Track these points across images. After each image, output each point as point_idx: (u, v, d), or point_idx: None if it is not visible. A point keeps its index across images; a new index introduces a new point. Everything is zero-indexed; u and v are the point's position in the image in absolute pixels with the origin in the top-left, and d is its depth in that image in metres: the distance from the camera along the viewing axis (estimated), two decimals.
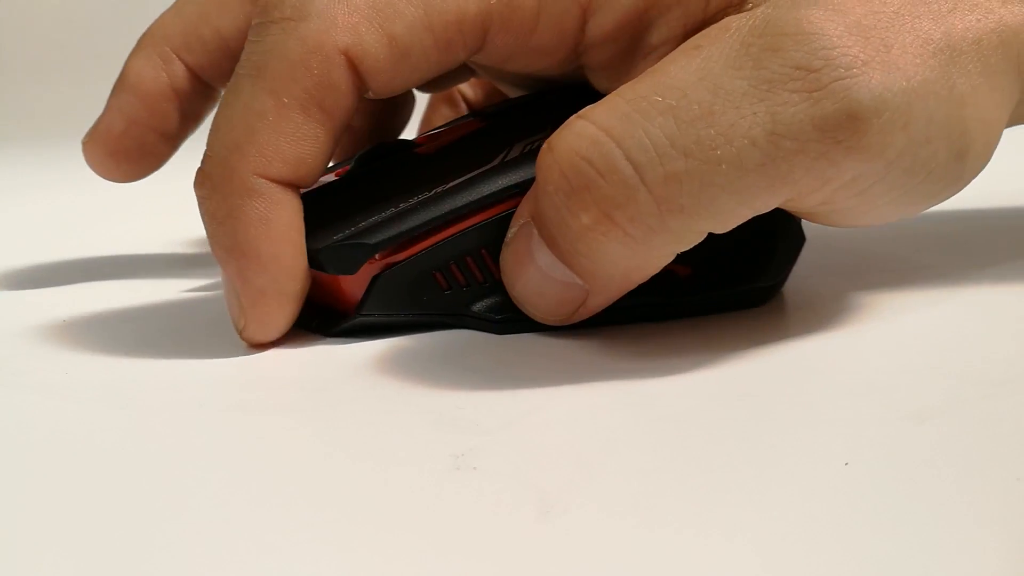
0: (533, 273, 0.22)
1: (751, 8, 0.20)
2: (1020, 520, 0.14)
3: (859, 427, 0.18)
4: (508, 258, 0.23)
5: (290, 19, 0.21)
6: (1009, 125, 0.22)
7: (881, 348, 0.22)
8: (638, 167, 0.19)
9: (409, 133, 0.32)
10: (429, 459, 0.17)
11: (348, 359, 0.22)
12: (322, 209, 0.23)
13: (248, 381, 0.21)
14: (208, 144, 0.22)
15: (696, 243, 0.21)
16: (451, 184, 0.23)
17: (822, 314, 0.24)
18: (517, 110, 0.25)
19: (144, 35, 0.27)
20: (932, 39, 0.20)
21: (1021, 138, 0.29)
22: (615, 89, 0.21)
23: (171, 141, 0.28)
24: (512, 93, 0.28)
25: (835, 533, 0.14)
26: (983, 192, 0.28)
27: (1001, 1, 0.21)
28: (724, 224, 0.20)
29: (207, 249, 0.24)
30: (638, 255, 0.20)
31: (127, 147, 0.27)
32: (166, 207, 0.33)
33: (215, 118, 0.22)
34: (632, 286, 0.22)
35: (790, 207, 0.21)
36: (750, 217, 0.20)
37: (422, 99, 0.34)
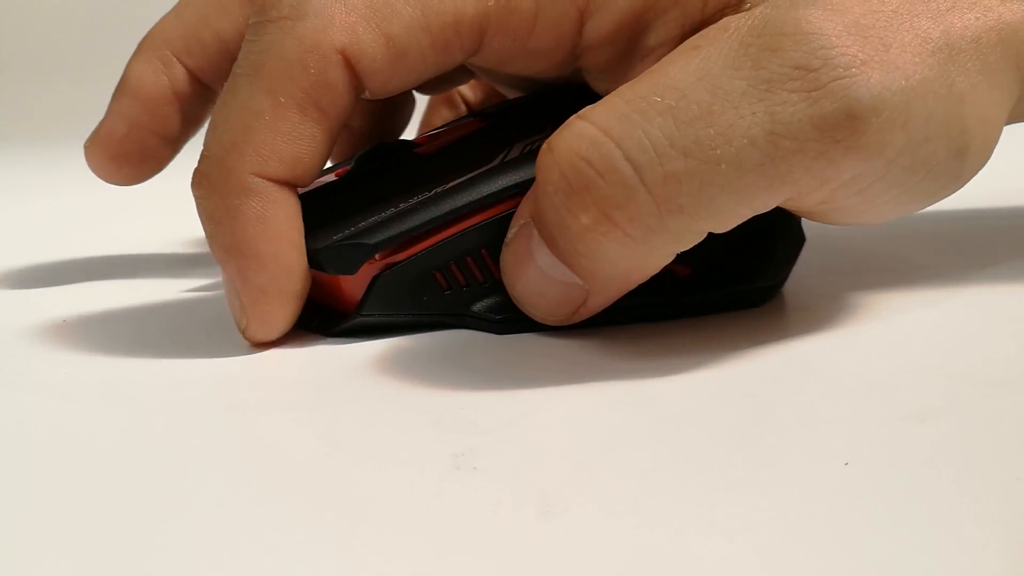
0: (533, 273, 0.22)
1: (749, 8, 0.20)
2: (1020, 520, 0.14)
3: (859, 427, 0.18)
4: (508, 258, 0.23)
5: (287, 18, 0.21)
6: (1009, 123, 0.22)
7: (881, 348, 0.22)
8: (637, 167, 0.19)
9: (409, 134, 0.32)
10: (429, 459, 0.17)
11: (348, 359, 0.22)
12: (322, 209, 0.23)
13: (248, 381, 0.21)
14: (205, 144, 0.22)
15: (696, 243, 0.21)
16: (451, 184, 0.23)
17: (822, 314, 0.24)
18: (517, 110, 0.25)
19: (144, 39, 0.27)
20: (931, 38, 0.20)
21: (1021, 137, 0.29)
22: (613, 89, 0.21)
23: (172, 144, 0.28)
24: (511, 94, 0.28)
25: (835, 533, 0.14)
26: (982, 192, 0.28)
27: None
28: (724, 224, 0.20)
29: (207, 249, 0.24)
30: (638, 255, 0.20)
31: (129, 151, 0.27)
32: (166, 207, 0.33)
33: (212, 118, 0.22)
34: (632, 286, 0.22)
35: (790, 206, 0.21)
36: (750, 217, 0.20)
37: (421, 100, 0.34)
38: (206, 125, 0.23)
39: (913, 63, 0.19)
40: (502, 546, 0.14)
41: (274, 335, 0.23)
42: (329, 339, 0.24)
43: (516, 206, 0.23)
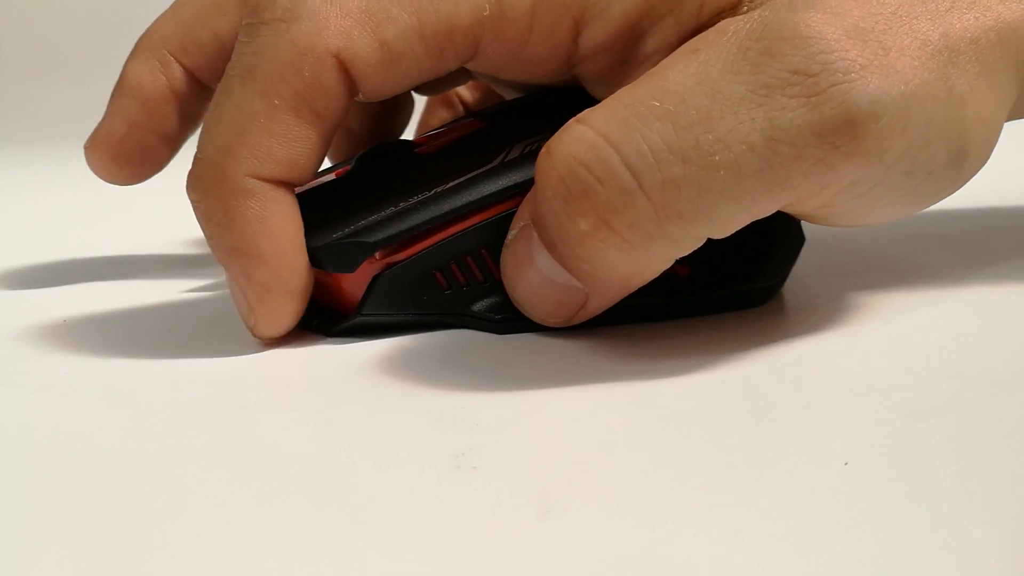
0: (533, 276, 0.22)
1: (746, 11, 0.20)
2: (1020, 520, 0.14)
3: (859, 427, 0.18)
4: (508, 260, 0.23)
5: (281, 20, 0.21)
6: (1008, 120, 0.22)
7: (881, 348, 0.22)
8: (636, 173, 0.19)
9: (407, 135, 0.32)
10: (429, 458, 0.17)
11: (349, 359, 0.22)
12: (322, 208, 0.23)
13: (249, 380, 0.21)
14: (199, 146, 0.22)
15: (695, 248, 0.21)
16: (451, 184, 0.23)
17: (822, 314, 0.24)
18: (517, 111, 0.25)
19: (141, 38, 0.27)
20: (930, 40, 0.20)
21: (1021, 136, 0.29)
22: (610, 95, 0.21)
23: (172, 143, 0.28)
24: (509, 95, 0.28)
25: (835, 533, 0.14)
26: (982, 192, 0.28)
27: None
28: (723, 229, 0.20)
29: (207, 249, 0.24)
30: (637, 260, 0.20)
31: (129, 151, 0.27)
32: (166, 207, 0.33)
33: (206, 119, 0.22)
34: (632, 289, 0.22)
35: (789, 210, 0.21)
36: (749, 222, 0.20)
37: (420, 100, 0.34)
38: None
39: (912, 67, 0.19)
40: (502, 546, 0.14)
41: (282, 331, 0.23)
42: (330, 339, 0.24)
43: (516, 206, 0.23)
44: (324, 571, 0.14)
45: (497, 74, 0.24)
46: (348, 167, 0.25)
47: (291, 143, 0.21)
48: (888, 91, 0.19)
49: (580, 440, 0.18)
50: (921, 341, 0.22)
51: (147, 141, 0.27)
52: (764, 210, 0.20)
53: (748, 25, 0.20)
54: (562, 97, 0.24)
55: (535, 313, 0.23)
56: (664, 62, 0.20)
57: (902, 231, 0.32)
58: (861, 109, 0.19)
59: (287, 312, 0.23)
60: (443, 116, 0.34)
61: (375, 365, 0.22)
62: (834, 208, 0.21)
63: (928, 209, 0.22)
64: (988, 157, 0.21)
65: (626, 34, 0.22)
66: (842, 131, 0.19)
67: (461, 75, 0.27)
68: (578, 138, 0.20)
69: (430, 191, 0.23)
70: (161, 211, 0.39)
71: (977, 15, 0.20)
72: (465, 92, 0.34)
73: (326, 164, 0.29)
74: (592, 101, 0.21)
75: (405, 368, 0.22)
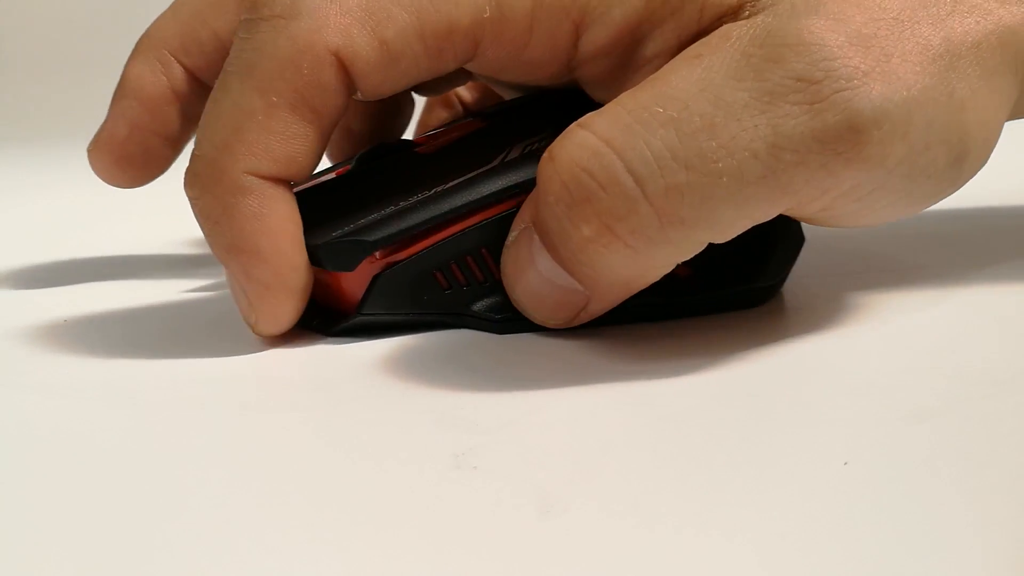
0: (534, 278, 0.22)
1: (748, 16, 0.20)
2: (1020, 520, 0.14)
3: (858, 427, 0.18)
4: (509, 262, 0.23)
5: (280, 17, 0.21)
6: (1008, 120, 0.22)
7: (881, 348, 0.22)
8: (639, 179, 0.19)
9: (407, 136, 0.32)
10: (429, 458, 0.17)
11: (349, 359, 0.22)
12: (322, 206, 0.23)
13: (249, 380, 0.22)
14: (196, 143, 0.22)
15: (697, 252, 0.21)
16: (451, 184, 0.23)
17: (821, 314, 0.24)
18: (517, 111, 0.25)
19: (141, 39, 0.27)
20: (931, 45, 0.20)
21: (1021, 136, 0.29)
22: (611, 99, 0.20)
23: (174, 144, 0.28)
24: (508, 95, 0.28)
25: (834, 533, 0.14)
26: (982, 192, 0.28)
27: (1000, 1, 0.21)
28: (724, 234, 0.20)
29: (207, 249, 0.24)
30: (639, 265, 0.21)
31: (132, 152, 0.27)
32: (166, 207, 0.33)
33: (203, 116, 0.22)
34: (633, 292, 0.22)
35: (790, 213, 0.21)
36: (750, 227, 0.20)
37: (420, 101, 0.34)
38: None
39: (914, 72, 0.19)
40: (502, 545, 0.14)
41: (283, 328, 0.23)
42: (330, 338, 0.24)
43: (516, 206, 0.23)
44: (324, 571, 0.14)
45: (496, 75, 0.24)
46: (348, 166, 0.25)
47: (289, 141, 0.21)
48: (890, 97, 0.19)
49: (580, 440, 0.18)
50: (921, 341, 0.22)
51: (150, 142, 0.27)
52: (766, 215, 0.20)
53: (751, 31, 0.20)
54: (562, 97, 0.24)
55: (536, 315, 0.23)
56: (667, 67, 0.20)
57: (902, 231, 0.32)
58: (864, 116, 0.19)
59: (287, 309, 0.23)
60: (442, 116, 0.34)
61: (375, 365, 0.22)
62: (834, 211, 0.21)
63: (928, 209, 0.22)
64: (988, 158, 0.21)
65: (626, 38, 0.22)
66: (845, 138, 0.19)
67: (461, 76, 0.27)
68: (581, 143, 0.20)
69: (430, 191, 0.23)
70: (161, 211, 0.39)
71: (978, 19, 0.20)
72: (464, 92, 0.34)
73: (326, 164, 0.29)
74: (592, 101, 0.21)
75: (405, 368, 0.22)
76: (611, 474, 0.16)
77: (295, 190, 0.23)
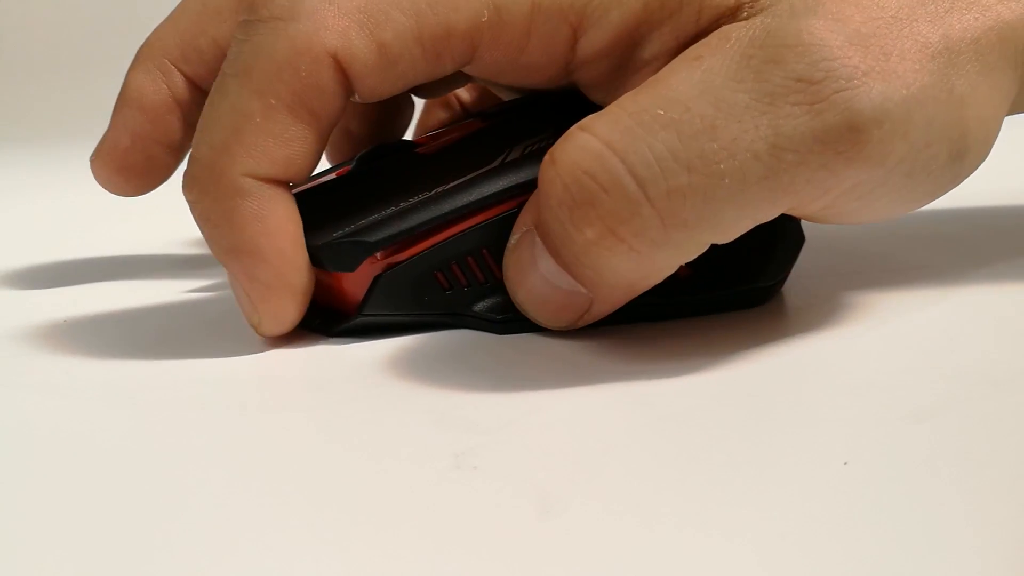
0: (536, 280, 0.22)
1: (747, 17, 0.20)
2: (1019, 520, 0.14)
3: (858, 427, 0.18)
4: (511, 265, 0.23)
5: (279, 19, 0.21)
6: (1007, 115, 0.22)
7: (880, 348, 0.22)
8: (641, 182, 0.19)
9: (406, 138, 0.32)
10: (429, 458, 0.17)
11: (349, 359, 0.22)
12: (323, 207, 0.23)
13: (250, 380, 0.22)
14: (194, 145, 0.22)
15: (699, 253, 0.21)
16: (452, 184, 0.23)
17: (822, 314, 0.24)
18: (518, 111, 0.25)
19: (141, 49, 0.27)
20: (930, 42, 0.20)
21: (1021, 136, 0.29)
22: (609, 101, 0.20)
23: (176, 152, 0.28)
24: (506, 97, 0.28)
25: (834, 532, 0.14)
26: (982, 192, 0.28)
27: None
28: (727, 235, 0.20)
29: (207, 250, 0.24)
30: (642, 267, 0.21)
31: (134, 162, 0.27)
32: (166, 207, 0.33)
33: (201, 118, 0.22)
34: (636, 294, 0.22)
35: (791, 212, 0.21)
36: (752, 227, 0.20)
37: (419, 102, 0.34)
38: None
39: (914, 71, 0.19)
40: (502, 545, 0.14)
41: (287, 328, 0.23)
42: (331, 339, 0.24)
43: (517, 206, 0.23)
44: (324, 571, 0.14)
45: (494, 78, 0.24)
46: (348, 167, 0.25)
47: (288, 143, 0.21)
48: (890, 96, 0.19)
49: (580, 440, 0.18)
50: (921, 341, 0.22)
51: (152, 151, 0.27)
52: (768, 215, 0.20)
53: (751, 32, 0.20)
54: (562, 98, 0.24)
55: (540, 318, 0.23)
56: (667, 69, 0.20)
57: (902, 231, 0.32)
58: (864, 116, 0.19)
59: (290, 309, 0.23)
60: (441, 118, 0.34)
61: (376, 365, 0.22)
62: (835, 209, 0.21)
63: (928, 209, 0.22)
64: (987, 154, 0.22)
65: (624, 41, 0.22)
66: (845, 137, 0.19)
67: (460, 78, 0.27)
68: (582, 146, 0.20)
69: (431, 191, 0.23)
70: (161, 211, 0.39)
71: (977, 15, 0.21)
72: (463, 93, 0.34)
73: (325, 165, 0.29)
74: (591, 102, 0.21)
75: (405, 368, 0.22)
76: (611, 474, 0.16)
77: (296, 191, 0.23)
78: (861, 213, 0.21)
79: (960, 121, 0.20)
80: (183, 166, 0.23)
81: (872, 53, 0.19)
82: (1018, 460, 0.16)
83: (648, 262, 0.20)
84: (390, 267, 0.23)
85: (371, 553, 0.14)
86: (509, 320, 0.23)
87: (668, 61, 0.21)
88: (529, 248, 0.22)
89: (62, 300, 0.29)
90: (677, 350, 0.22)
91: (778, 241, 0.24)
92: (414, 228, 0.23)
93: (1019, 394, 0.19)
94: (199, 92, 0.27)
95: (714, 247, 0.21)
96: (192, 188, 0.22)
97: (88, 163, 0.28)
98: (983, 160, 0.22)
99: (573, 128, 0.20)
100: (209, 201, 0.22)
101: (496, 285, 0.24)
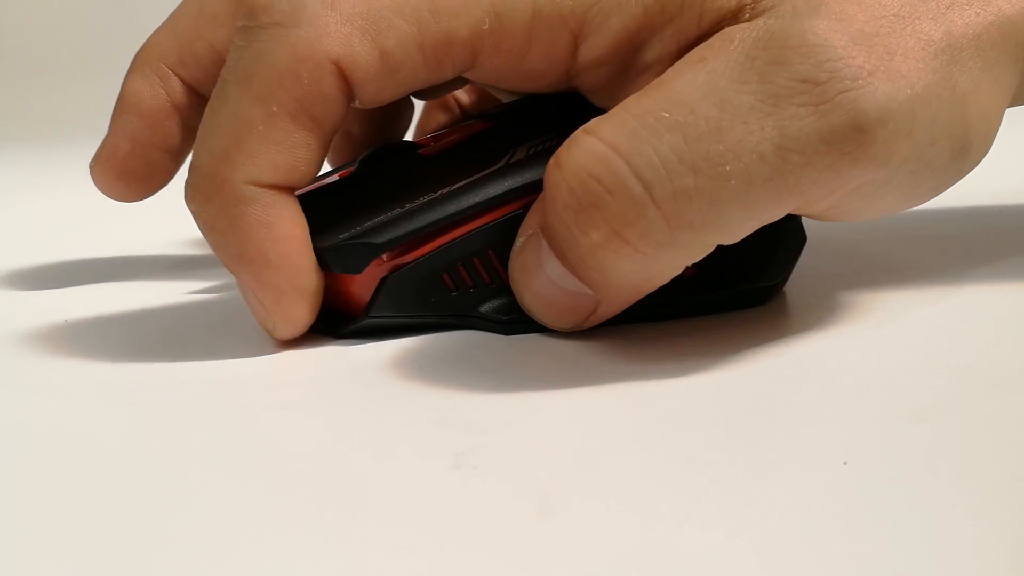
0: (543, 283, 0.22)
1: (749, 19, 0.20)
2: (1019, 520, 0.14)
3: (858, 426, 0.18)
4: (517, 268, 0.23)
5: (280, 25, 0.21)
6: (1007, 107, 0.22)
7: (880, 348, 0.22)
8: (647, 184, 0.19)
9: (407, 139, 0.32)
10: (430, 458, 0.17)
11: (352, 359, 0.22)
12: (327, 209, 0.23)
13: (250, 381, 0.22)
14: (195, 154, 0.22)
15: (705, 254, 0.21)
16: (457, 185, 0.23)
17: (822, 314, 0.24)
18: (521, 112, 0.25)
19: (138, 54, 0.27)
20: (933, 40, 0.20)
21: (1021, 137, 0.29)
22: (611, 105, 0.20)
23: (176, 157, 0.28)
24: (507, 99, 0.28)
25: (834, 532, 0.14)
26: (981, 191, 0.28)
27: None
28: (732, 236, 0.20)
29: (207, 250, 0.24)
30: (648, 269, 0.21)
31: (134, 167, 0.27)
32: (166, 207, 0.33)
33: (202, 126, 0.22)
34: (642, 295, 0.22)
35: (795, 211, 0.21)
36: (757, 227, 0.20)
37: (418, 104, 0.34)
38: None
39: (917, 69, 0.20)
40: (502, 544, 0.14)
41: (301, 330, 0.23)
42: (337, 340, 0.24)
43: (522, 207, 0.23)
44: (324, 570, 0.14)
45: (495, 84, 0.24)
46: (351, 169, 0.25)
47: (290, 149, 0.21)
48: (895, 96, 0.19)
49: (580, 440, 0.18)
50: (920, 341, 0.22)
51: (151, 156, 0.27)
52: (773, 216, 0.20)
53: (754, 33, 0.20)
54: (567, 98, 0.24)
55: (546, 320, 0.23)
56: (671, 71, 0.20)
57: (903, 231, 0.32)
58: (869, 116, 0.19)
59: (303, 312, 0.23)
60: (440, 120, 0.34)
61: (379, 365, 0.22)
62: (839, 208, 0.21)
63: (928, 209, 0.22)
64: (988, 150, 0.22)
65: (625, 46, 0.22)
66: (850, 138, 0.19)
67: (459, 80, 0.27)
68: (587, 149, 0.20)
69: (436, 192, 0.23)
70: (161, 211, 0.39)
71: (978, 11, 0.21)
72: (462, 95, 0.34)
73: (327, 168, 0.29)
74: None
75: (409, 368, 0.22)
76: (611, 474, 0.16)
77: (299, 193, 0.23)
78: (865, 211, 0.21)
79: (963, 118, 0.20)
80: (183, 170, 0.23)
81: (876, 52, 0.19)
82: (1017, 460, 0.16)
83: (654, 264, 0.20)
84: (396, 269, 0.23)
85: (371, 552, 0.14)
86: (515, 321, 0.23)
87: (670, 65, 0.21)
88: (535, 251, 0.22)
89: (62, 300, 0.29)
90: (677, 350, 0.22)
91: (780, 241, 0.24)
92: (420, 230, 0.23)
93: (1018, 394, 0.19)
94: (197, 97, 0.27)
95: (718, 248, 0.21)
96: (195, 198, 0.22)
97: (88, 167, 0.28)
98: (985, 155, 0.22)
99: (578, 131, 0.20)
100: (213, 210, 0.21)
101: (502, 286, 0.24)
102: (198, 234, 0.23)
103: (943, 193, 0.22)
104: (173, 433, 0.19)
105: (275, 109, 0.21)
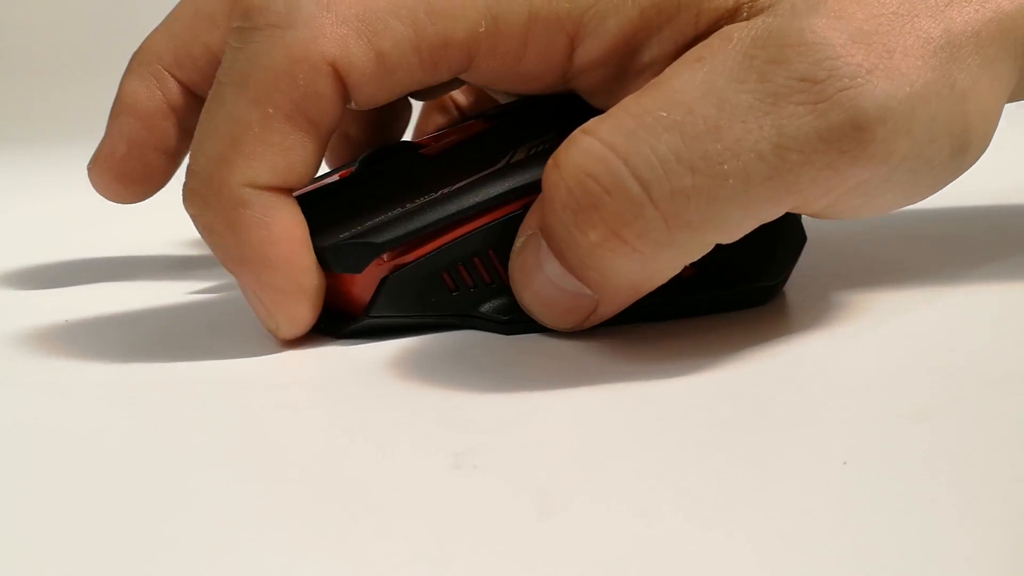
0: (542, 283, 0.22)
1: (747, 18, 0.20)
2: (1018, 520, 0.14)
3: (857, 426, 0.18)
4: (516, 268, 0.23)
5: (275, 26, 0.21)
6: (1005, 103, 0.22)
7: (880, 348, 0.22)
8: (645, 184, 0.19)
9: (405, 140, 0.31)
10: (430, 457, 0.17)
11: (352, 359, 0.22)
12: (327, 209, 0.23)
13: (250, 381, 0.22)
14: (192, 157, 0.22)
15: (704, 254, 0.21)
16: (457, 186, 0.23)
17: (822, 314, 0.24)
18: (521, 112, 0.25)
19: (135, 55, 0.27)
20: (932, 37, 0.20)
21: (1020, 137, 0.29)
22: (609, 106, 0.20)
23: (173, 158, 0.28)
24: (504, 100, 0.28)
25: (833, 532, 0.14)
26: (981, 191, 0.28)
27: None
28: (731, 235, 0.20)
29: (207, 250, 0.24)
30: (647, 268, 0.21)
31: (132, 169, 0.27)
32: (166, 207, 0.33)
33: (198, 129, 0.22)
34: (642, 295, 0.22)
35: (794, 210, 0.21)
36: (756, 227, 0.20)
37: (416, 105, 0.34)
38: None
39: (916, 67, 0.19)
40: (502, 544, 0.14)
41: (304, 330, 0.23)
42: (338, 340, 0.24)
43: (522, 207, 0.23)
44: (324, 570, 0.14)
45: (491, 85, 0.24)
46: (351, 169, 0.25)
47: (287, 151, 0.21)
48: (894, 94, 0.19)
49: (580, 439, 0.18)
50: (920, 341, 0.22)
51: (149, 158, 0.27)
52: (772, 215, 0.20)
53: (753, 32, 0.20)
54: (566, 98, 0.24)
55: (546, 320, 0.23)
56: (668, 71, 0.20)
57: (902, 231, 0.32)
58: (868, 114, 0.19)
59: (306, 311, 0.23)
60: (438, 121, 0.34)
61: (379, 365, 0.22)
62: (838, 206, 0.21)
63: (927, 209, 0.22)
64: (988, 146, 0.22)
65: (622, 48, 0.22)
66: (849, 136, 0.19)
67: (456, 81, 0.27)
68: (586, 150, 0.20)
69: (436, 192, 0.23)
70: (161, 211, 0.39)
71: (977, 7, 0.21)
72: (460, 96, 0.34)
73: (324, 170, 0.29)
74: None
75: (409, 368, 0.22)
76: (611, 474, 0.16)
77: (299, 193, 0.23)
78: (864, 208, 0.21)
79: (962, 116, 0.20)
80: (181, 170, 0.23)
81: (875, 50, 0.19)
82: (1016, 460, 0.16)
83: (652, 263, 0.20)
84: (397, 268, 0.23)
85: (371, 552, 0.14)
86: (515, 321, 0.23)
87: (667, 65, 0.21)
88: (534, 251, 0.22)
89: (62, 300, 0.29)
90: (677, 350, 0.22)
91: (779, 241, 0.24)
92: (420, 229, 0.23)
93: (1018, 394, 0.19)
94: (194, 98, 0.27)
95: (717, 247, 0.21)
96: (193, 201, 0.22)
97: (86, 169, 0.28)
98: (984, 152, 0.22)
99: (576, 131, 0.20)
100: (211, 213, 0.21)
101: (502, 286, 0.24)
102: (197, 234, 0.23)
103: (941, 192, 0.22)
104: (173, 433, 0.19)
105: (271, 111, 0.21)
